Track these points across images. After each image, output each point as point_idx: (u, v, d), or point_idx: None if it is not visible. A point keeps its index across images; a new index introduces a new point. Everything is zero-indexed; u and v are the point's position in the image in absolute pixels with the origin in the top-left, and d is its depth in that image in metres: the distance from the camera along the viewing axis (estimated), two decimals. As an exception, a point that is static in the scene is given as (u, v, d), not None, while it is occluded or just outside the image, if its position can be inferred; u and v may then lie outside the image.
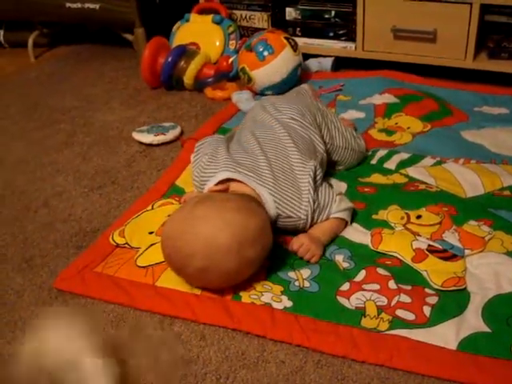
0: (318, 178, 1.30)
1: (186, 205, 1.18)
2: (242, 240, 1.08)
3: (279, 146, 1.34)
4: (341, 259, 1.21)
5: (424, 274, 1.15)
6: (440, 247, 1.21)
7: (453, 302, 1.09)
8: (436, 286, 1.12)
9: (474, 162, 1.52)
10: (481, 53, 2.03)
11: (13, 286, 1.23)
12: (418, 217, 1.30)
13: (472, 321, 1.05)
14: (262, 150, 1.32)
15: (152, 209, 1.41)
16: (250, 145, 1.35)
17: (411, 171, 1.49)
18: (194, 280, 1.14)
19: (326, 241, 1.25)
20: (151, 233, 1.32)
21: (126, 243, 1.29)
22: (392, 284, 1.13)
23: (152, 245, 1.27)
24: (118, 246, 1.29)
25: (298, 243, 1.22)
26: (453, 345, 1.01)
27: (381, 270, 1.16)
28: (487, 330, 1.03)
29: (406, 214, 1.31)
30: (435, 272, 1.15)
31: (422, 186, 1.42)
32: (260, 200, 1.22)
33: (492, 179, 1.43)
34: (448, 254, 1.19)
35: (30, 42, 2.57)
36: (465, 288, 1.12)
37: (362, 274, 1.16)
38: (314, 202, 1.25)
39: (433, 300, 1.09)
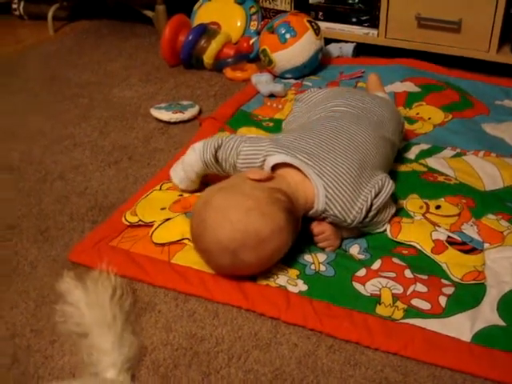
0: (387, 191, 1.19)
1: (213, 187, 1.16)
2: (239, 242, 1.05)
3: (358, 140, 1.25)
4: (356, 252, 1.20)
5: (443, 266, 1.14)
6: (459, 239, 1.20)
7: (469, 293, 1.08)
8: (456, 279, 1.11)
9: (494, 155, 1.51)
10: (504, 46, 2.00)
11: (27, 256, 1.24)
12: (437, 207, 1.28)
13: (487, 314, 1.04)
14: (336, 139, 1.24)
15: (160, 189, 1.39)
16: (325, 129, 1.27)
17: (431, 162, 1.47)
18: (201, 257, 1.14)
19: (346, 236, 1.23)
20: (163, 208, 1.31)
21: (140, 220, 1.28)
22: (408, 273, 1.12)
23: (166, 220, 1.26)
24: (131, 224, 1.28)
25: (320, 229, 1.19)
26: (467, 337, 1.00)
27: (397, 260, 1.16)
28: (502, 323, 1.02)
29: (425, 203, 1.30)
30: (455, 265, 1.14)
31: (441, 178, 1.40)
32: (303, 191, 1.16)
33: (511, 173, 1.42)
34: (468, 247, 1.18)
35: (50, 14, 2.56)
36: (484, 282, 1.10)
37: (377, 263, 1.16)
38: (368, 214, 1.17)
39: (449, 290, 1.08)
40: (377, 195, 1.18)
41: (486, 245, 1.19)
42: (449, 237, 1.21)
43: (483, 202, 1.31)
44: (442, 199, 1.31)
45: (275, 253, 1.10)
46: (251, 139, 1.26)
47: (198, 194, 1.33)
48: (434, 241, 1.20)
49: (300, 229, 1.16)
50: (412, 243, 1.20)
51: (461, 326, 1.02)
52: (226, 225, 1.06)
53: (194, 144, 1.32)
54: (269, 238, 1.07)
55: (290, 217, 1.10)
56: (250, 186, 1.12)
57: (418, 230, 1.23)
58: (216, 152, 1.26)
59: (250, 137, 1.30)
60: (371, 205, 1.17)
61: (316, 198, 1.16)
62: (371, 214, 1.18)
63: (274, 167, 1.18)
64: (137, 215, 1.30)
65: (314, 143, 1.22)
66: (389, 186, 1.20)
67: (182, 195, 1.35)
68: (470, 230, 1.22)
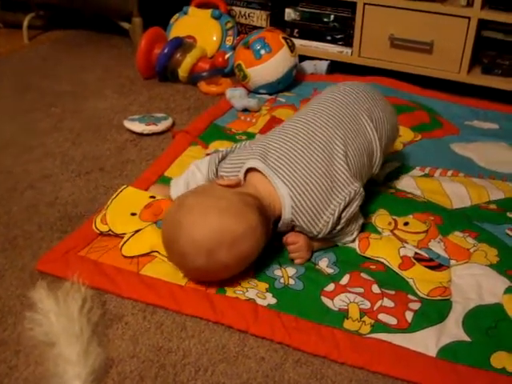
0: (357, 203, 1.20)
1: (185, 193, 1.19)
2: (214, 241, 1.07)
3: (333, 146, 1.23)
4: (325, 265, 1.21)
5: (410, 281, 1.16)
6: (426, 256, 1.22)
7: (435, 309, 1.10)
8: (422, 295, 1.13)
9: (462, 174, 1.54)
10: (475, 67, 2.05)
11: (-6, 265, 1.22)
12: (406, 223, 1.30)
13: (453, 329, 1.06)
14: (311, 144, 1.22)
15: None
16: (300, 133, 1.25)
17: (399, 183, 1.49)
18: (175, 262, 1.15)
19: (317, 247, 1.24)
20: (133, 214, 1.30)
21: (110, 230, 1.27)
22: (376, 288, 1.13)
23: (136, 231, 1.25)
24: (101, 233, 1.28)
25: (293, 239, 1.20)
26: (433, 352, 1.01)
27: (364, 275, 1.17)
28: (467, 339, 1.04)
29: (394, 219, 1.32)
30: (422, 281, 1.16)
31: (410, 195, 1.43)
32: (271, 200, 1.17)
33: (479, 192, 1.45)
34: (434, 264, 1.20)
35: (25, 23, 2.55)
36: (450, 298, 1.12)
37: (346, 278, 1.17)
38: (335, 227, 1.19)
39: (415, 306, 1.10)
40: (346, 207, 1.19)
41: (453, 261, 1.21)
42: (416, 253, 1.22)
43: (451, 220, 1.33)
44: (411, 216, 1.33)
45: (248, 253, 1.11)
46: (230, 157, 1.29)
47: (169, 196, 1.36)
48: (401, 257, 1.21)
49: (271, 234, 1.17)
50: (380, 259, 1.22)
51: (426, 341, 1.03)
52: (201, 224, 1.07)
53: (197, 162, 1.36)
54: (242, 237, 1.08)
55: (261, 218, 1.12)
56: (224, 191, 1.14)
57: (386, 246, 1.24)
58: (217, 169, 1.29)
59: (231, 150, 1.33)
60: (339, 217, 1.18)
61: (282, 208, 1.17)
62: (339, 226, 1.19)
63: (247, 172, 1.20)
64: (107, 224, 1.28)
65: (289, 148, 1.22)
66: (359, 198, 1.21)
67: (154, 197, 1.35)
68: (437, 247, 1.24)
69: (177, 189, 1.35)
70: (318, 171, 1.19)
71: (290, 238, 1.21)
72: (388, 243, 1.25)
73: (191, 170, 1.36)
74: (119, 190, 1.37)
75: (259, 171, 1.19)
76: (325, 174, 1.19)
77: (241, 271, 1.14)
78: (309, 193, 1.17)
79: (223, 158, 1.30)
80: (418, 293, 1.13)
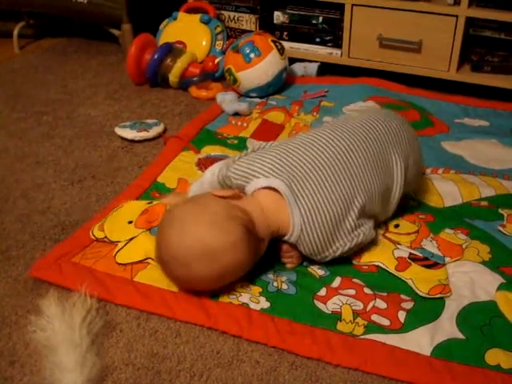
0: (363, 243, 1.21)
1: (185, 200, 1.18)
2: (190, 254, 1.06)
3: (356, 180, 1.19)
4: (316, 267, 1.21)
5: (409, 282, 1.16)
6: (421, 255, 1.22)
7: (428, 307, 1.10)
8: (423, 294, 1.13)
9: (453, 172, 1.54)
10: (464, 65, 2.06)
11: (-13, 276, 1.22)
12: (396, 226, 1.31)
13: (446, 327, 1.06)
14: (335, 174, 1.17)
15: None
16: (328, 162, 1.18)
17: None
18: (160, 268, 1.14)
19: None
20: (130, 222, 1.31)
21: (105, 237, 1.28)
22: (367, 289, 1.13)
23: (131, 239, 1.26)
24: (97, 240, 1.28)
25: (288, 249, 1.20)
26: (427, 351, 1.02)
27: (356, 280, 1.17)
28: (461, 337, 1.04)
29: (384, 223, 1.32)
30: (421, 280, 1.16)
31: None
32: (277, 219, 1.15)
33: (470, 189, 1.45)
34: (430, 262, 1.20)
35: (16, 32, 2.54)
36: (450, 295, 1.12)
37: (337, 281, 1.17)
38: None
39: (408, 305, 1.10)
40: (352, 248, 1.18)
41: (447, 259, 1.21)
42: (411, 253, 1.22)
43: (441, 218, 1.34)
44: (400, 218, 1.34)
45: (230, 269, 1.09)
46: (244, 159, 1.23)
47: (165, 201, 1.36)
48: (396, 258, 1.21)
49: (264, 253, 1.16)
50: (376, 263, 1.21)
51: (420, 340, 1.03)
52: (178, 237, 1.07)
53: (212, 167, 1.32)
54: (221, 251, 1.06)
55: (247, 235, 1.09)
56: (213, 202, 1.12)
57: (380, 249, 1.24)
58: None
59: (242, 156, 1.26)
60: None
61: (289, 233, 1.15)
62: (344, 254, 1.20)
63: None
64: (103, 231, 1.29)
65: (315, 176, 1.16)
66: (368, 239, 1.21)
67: (151, 202, 1.36)
68: (430, 246, 1.25)
69: (192, 191, 1.35)
70: (333, 209, 1.14)
71: (286, 246, 1.20)
72: (381, 247, 1.25)
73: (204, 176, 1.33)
74: (120, 206, 1.37)
75: (276, 190, 1.15)
76: (340, 213, 1.15)
77: (228, 283, 1.13)
78: (319, 228, 1.14)
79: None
80: (419, 292, 1.13)
